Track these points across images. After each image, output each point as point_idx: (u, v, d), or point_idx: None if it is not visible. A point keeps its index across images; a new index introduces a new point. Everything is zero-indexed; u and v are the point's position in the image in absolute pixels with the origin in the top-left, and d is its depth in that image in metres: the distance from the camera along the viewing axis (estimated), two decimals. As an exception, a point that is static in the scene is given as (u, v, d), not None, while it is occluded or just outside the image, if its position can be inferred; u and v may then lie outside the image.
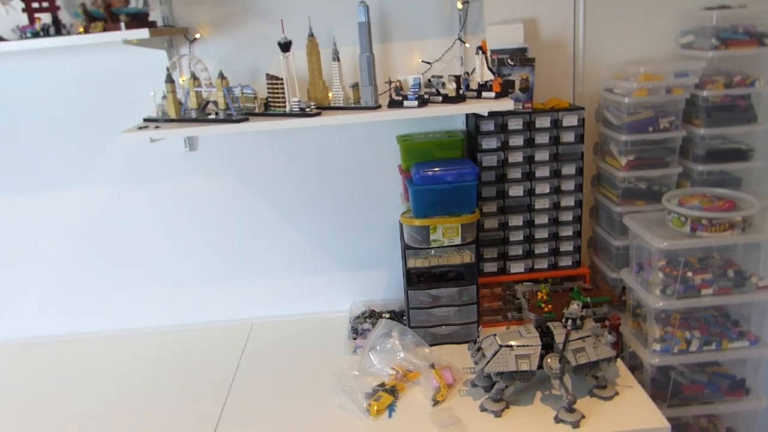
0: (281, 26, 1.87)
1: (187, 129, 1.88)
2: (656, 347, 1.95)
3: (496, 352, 1.72)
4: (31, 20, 1.82)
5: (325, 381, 1.95)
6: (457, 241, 2.02)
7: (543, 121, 2.06)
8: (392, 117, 1.87)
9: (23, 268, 2.37)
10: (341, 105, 1.97)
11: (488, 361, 1.72)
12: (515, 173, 2.10)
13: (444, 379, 1.84)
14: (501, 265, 2.20)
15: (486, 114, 1.94)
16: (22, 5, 1.81)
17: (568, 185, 2.12)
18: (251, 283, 2.41)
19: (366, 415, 1.77)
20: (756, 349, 1.96)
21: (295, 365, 2.08)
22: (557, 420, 1.68)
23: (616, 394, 1.77)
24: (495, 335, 1.77)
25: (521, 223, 2.15)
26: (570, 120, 2.06)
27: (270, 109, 1.94)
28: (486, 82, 1.91)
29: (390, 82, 1.94)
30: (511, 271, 2.20)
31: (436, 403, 1.80)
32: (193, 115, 1.94)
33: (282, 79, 1.89)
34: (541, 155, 2.09)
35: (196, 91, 1.93)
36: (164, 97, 1.95)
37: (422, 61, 2.13)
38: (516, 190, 2.12)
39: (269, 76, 1.92)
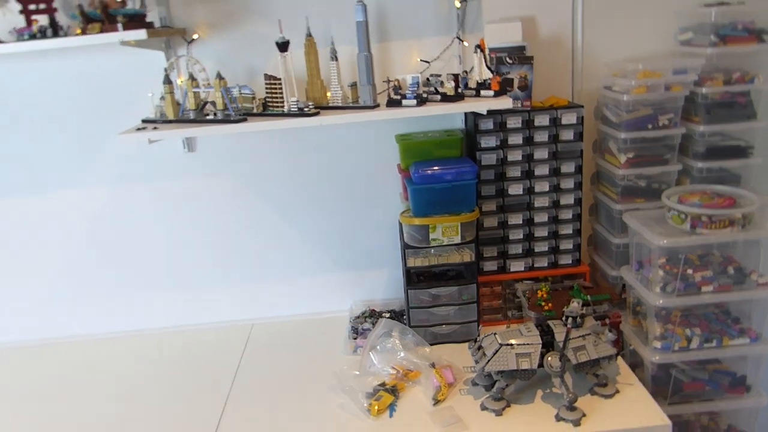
0: (279, 26, 1.87)
1: (185, 130, 1.88)
2: (657, 345, 1.95)
3: (497, 351, 1.72)
4: (29, 22, 1.82)
5: (326, 381, 1.95)
6: (457, 239, 2.02)
7: (542, 119, 2.06)
8: (391, 116, 1.87)
9: (22, 268, 2.36)
10: (339, 104, 1.97)
11: (489, 360, 1.72)
12: (514, 171, 2.10)
13: (444, 379, 1.84)
14: (501, 264, 2.19)
15: (485, 112, 1.93)
16: (19, 7, 1.81)
17: (568, 183, 2.12)
18: (251, 284, 2.41)
19: (367, 414, 1.77)
20: (756, 346, 1.96)
21: (295, 365, 2.08)
22: (558, 418, 1.68)
23: (617, 392, 1.77)
24: (495, 334, 1.77)
25: (521, 222, 2.15)
26: (569, 118, 2.06)
27: (268, 109, 1.94)
28: (485, 80, 1.91)
29: (388, 81, 1.94)
30: (511, 270, 2.19)
31: (436, 402, 1.79)
32: (192, 115, 1.93)
33: (280, 79, 1.89)
34: (541, 153, 2.09)
35: (194, 92, 1.93)
36: (162, 98, 1.95)
37: (420, 60, 2.13)
38: (515, 189, 2.12)
39: (267, 76, 1.91)
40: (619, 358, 1.91)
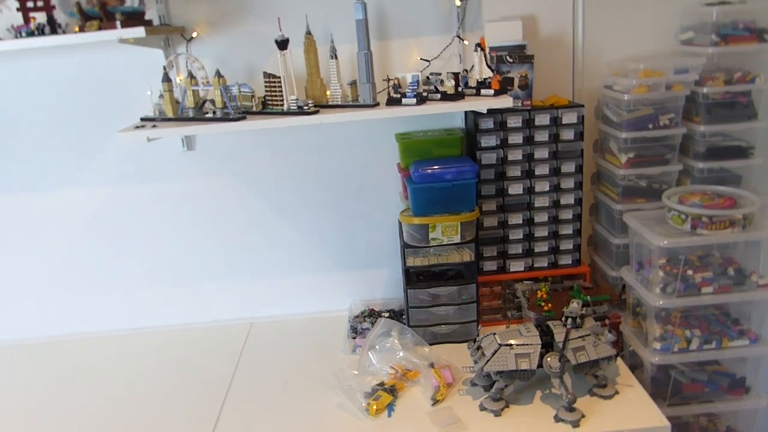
0: (278, 24, 1.86)
1: (184, 128, 1.87)
2: (656, 346, 1.95)
3: (496, 351, 1.71)
4: (26, 20, 1.81)
5: (324, 380, 1.94)
6: (457, 239, 2.01)
7: (542, 119, 2.05)
8: (390, 115, 1.86)
9: (22, 268, 2.36)
10: (339, 103, 1.96)
11: (488, 360, 1.71)
12: (515, 171, 2.09)
13: (443, 379, 1.84)
14: (500, 264, 2.19)
15: (485, 111, 1.93)
16: (17, 5, 1.80)
17: (568, 183, 2.11)
18: (250, 283, 2.41)
19: (365, 414, 1.76)
20: (756, 348, 1.95)
21: (294, 365, 2.08)
22: (557, 419, 1.68)
23: (616, 393, 1.77)
24: (494, 334, 1.77)
25: (521, 222, 2.14)
26: (569, 117, 2.05)
27: (267, 107, 1.93)
28: (485, 79, 1.90)
29: (388, 80, 1.94)
30: (511, 270, 2.19)
31: (435, 402, 1.79)
32: (191, 114, 1.93)
33: (279, 77, 1.88)
34: (541, 153, 2.08)
35: (194, 90, 1.92)
36: (161, 96, 1.94)
37: (420, 59, 2.12)
38: (515, 188, 2.11)
39: (266, 75, 1.91)
40: (619, 359, 1.90)
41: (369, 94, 1.91)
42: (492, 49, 2.04)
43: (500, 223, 2.15)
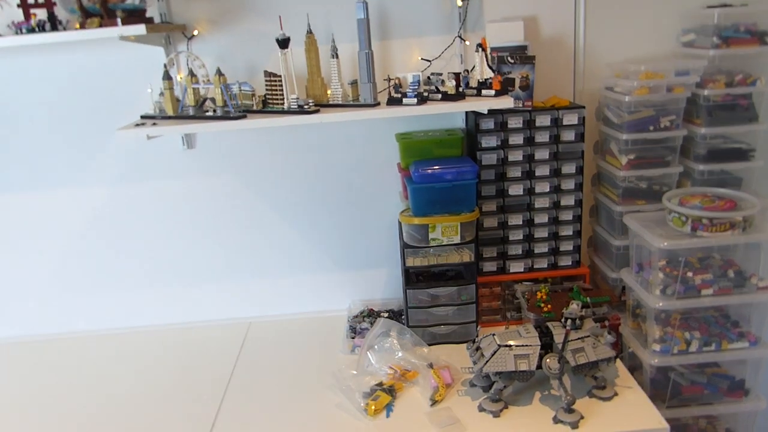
0: (279, 23, 1.86)
1: (184, 126, 1.87)
2: (656, 348, 1.95)
3: (495, 352, 1.71)
4: (27, 16, 1.81)
5: (323, 380, 1.94)
6: (457, 239, 2.01)
7: (543, 120, 2.05)
8: (391, 114, 1.86)
9: (21, 266, 2.35)
10: (340, 102, 1.96)
11: (487, 361, 1.71)
12: (515, 172, 2.09)
13: (442, 379, 1.83)
14: (500, 265, 2.19)
15: (486, 112, 1.93)
16: (18, 1, 1.80)
17: (568, 184, 2.11)
18: (249, 282, 2.40)
19: (364, 414, 1.76)
20: (756, 350, 1.95)
21: (292, 364, 2.07)
22: (556, 420, 1.67)
23: (615, 394, 1.76)
24: (494, 335, 1.76)
25: (521, 222, 2.14)
26: (570, 118, 2.05)
27: (268, 106, 1.93)
28: (486, 79, 1.90)
29: (389, 80, 1.93)
30: (511, 271, 2.18)
31: (434, 402, 1.79)
32: (191, 112, 1.92)
33: (280, 76, 1.88)
34: (541, 154, 2.08)
35: (194, 88, 1.92)
36: (162, 94, 1.94)
37: (421, 59, 2.12)
38: (516, 189, 2.11)
39: (267, 73, 1.90)
40: (618, 360, 1.90)
41: (370, 94, 1.90)
42: (493, 49, 2.03)
43: (500, 224, 2.14)
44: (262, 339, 2.27)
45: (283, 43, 1.85)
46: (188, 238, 2.34)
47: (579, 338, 1.73)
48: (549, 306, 2.01)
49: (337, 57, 1.94)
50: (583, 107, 2.05)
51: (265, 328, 2.34)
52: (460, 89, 1.91)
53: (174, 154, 2.24)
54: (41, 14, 1.81)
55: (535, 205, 2.13)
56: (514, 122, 2.04)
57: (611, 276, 2.20)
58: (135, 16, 1.80)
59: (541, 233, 2.16)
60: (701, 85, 2.05)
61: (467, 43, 2.11)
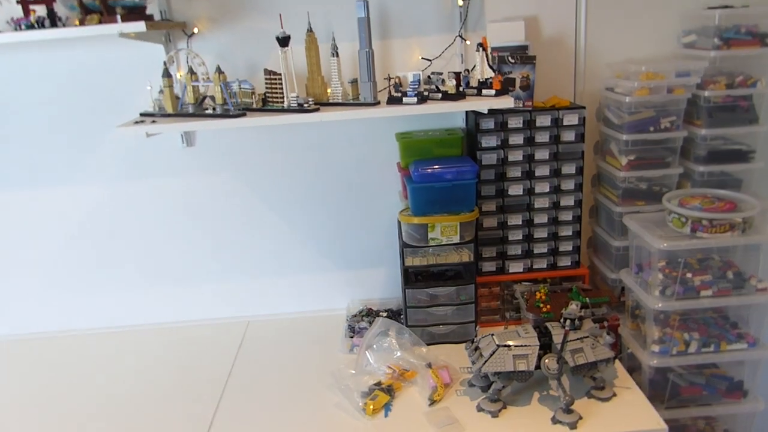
0: (280, 21, 1.86)
1: (183, 124, 1.86)
2: (655, 348, 1.95)
3: (494, 352, 1.71)
4: (26, 12, 1.81)
5: (322, 379, 1.94)
6: (456, 239, 2.00)
7: (543, 120, 2.04)
8: (391, 113, 1.85)
9: (20, 264, 2.35)
10: (340, 101, 1.95)
11: (485, 361, 1.71)
12: (515, 172, 2.09)
13: (441, 379, 1.83)
14: (500, 265, 2.18)
15: (486, 112, 1.92)
16: (17, -3, 1.79)
17: (568, 184, 2.11)
18: (248, 281, 2.40)
19: (362, 414, 1.75)
20: (754, 351, 1.95)
21: (291, 363, 2.07)
22: (554, 421, 1.67)
23: (614, 395, 1.76)
24: (493, 335, 1.76)
25: (520, 223, 2.14)
26: (570, 119, 2.04)
27: (268, 104, 1.93)
28: (486, 79, 1.89)
29: (389, 79, 1.93)
30: (510, 271, 2.18)
31: (432, 402, 1.78)
32: (190, 109, 1.92)
33: (280, 74, 1.87)
34: (541, 154, 2.08)
35: (194, 86, 1.91)
36: (161, 91, 1.93)
37: (422, 58, 2.11)
38: (515, 189, 2.10)
39: (267, 72, 1.90)
40: (617, 361, 1.90)
41: (370, 93, 1.90)
42: (494, 49, 2.03)
43: (500, 224, 2.14)
44: (261, 338, 2.26)
45: (284, 41, 1.84)
46: (187, 237, 2.33)
47: (578, 339, 1.73)
48: (548, 306, 2.01)
49: (337, 55, 1.94)
50: (584, 108, 2.05)
51: (264, 327, 2.34)
52: (461, 89, 1.91)
53: (173, 151, 2.23)
54: (41, 11, 1.81)
55: (535, 206, 2.12)
56: (515, 122, 2.04)
57: (610, 277, 2.20)
58: (135, 13, 1.79)
59: (541, 233, 2.16)
60: (702, 86, 2.05)
61: (468, 42, 2.11)
